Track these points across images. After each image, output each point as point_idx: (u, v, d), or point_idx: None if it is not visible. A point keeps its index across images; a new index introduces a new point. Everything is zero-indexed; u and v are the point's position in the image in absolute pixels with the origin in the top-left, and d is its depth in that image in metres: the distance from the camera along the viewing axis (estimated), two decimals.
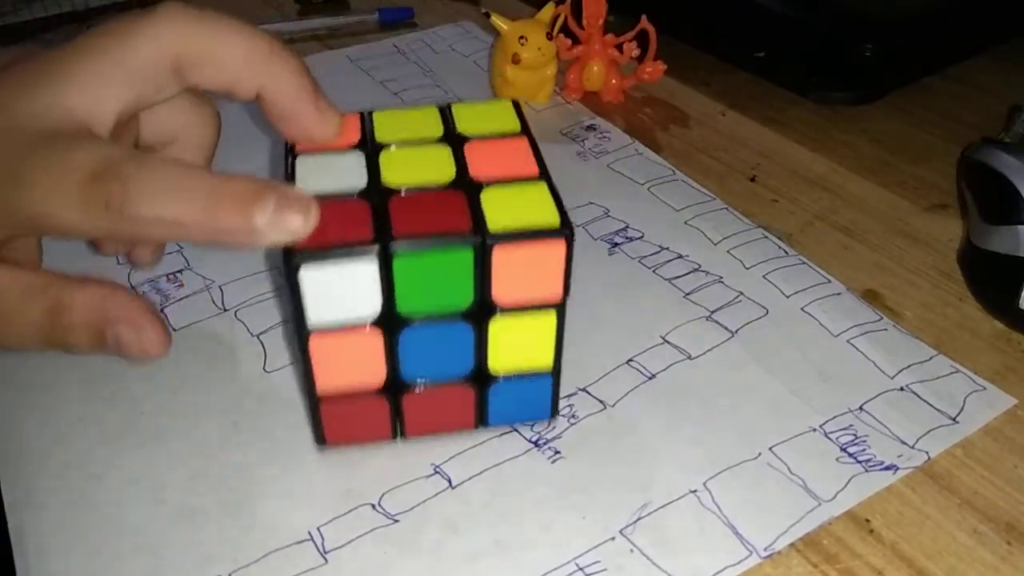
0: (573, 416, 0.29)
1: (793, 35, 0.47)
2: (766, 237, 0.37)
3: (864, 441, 0.28)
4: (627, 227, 0.37)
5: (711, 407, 0.29)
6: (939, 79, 0.49)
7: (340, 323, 0.24)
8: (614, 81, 0.46)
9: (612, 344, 0.32)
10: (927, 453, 0.28)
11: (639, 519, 0.26)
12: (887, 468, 0.27)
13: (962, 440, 0.28)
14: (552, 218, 0.24)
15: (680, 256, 0.36)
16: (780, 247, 0.36)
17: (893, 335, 0.32)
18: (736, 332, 0.32)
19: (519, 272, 0.24)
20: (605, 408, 0.29)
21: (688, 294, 0.34)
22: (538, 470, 0.27)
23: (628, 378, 0.30)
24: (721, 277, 0.35)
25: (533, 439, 0.28)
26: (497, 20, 0.44)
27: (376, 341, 0.25)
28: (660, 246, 0.36)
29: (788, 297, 0.34)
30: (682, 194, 0.39)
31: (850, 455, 0.28)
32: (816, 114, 0.46)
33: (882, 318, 0.33)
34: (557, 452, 0.28)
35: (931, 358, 0.31)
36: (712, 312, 0.33)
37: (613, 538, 0.25)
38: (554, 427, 0.29)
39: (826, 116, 0.46)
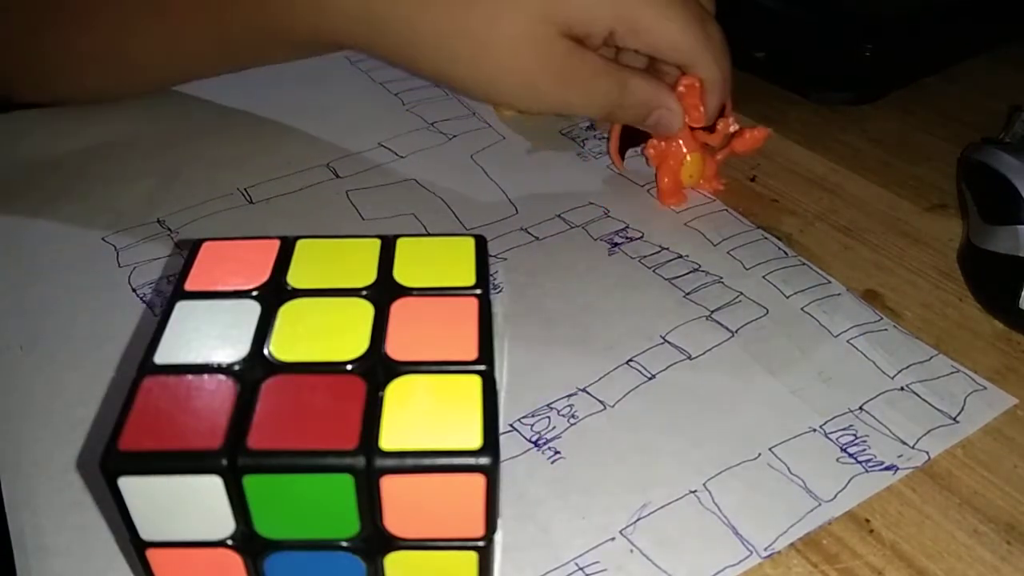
0: (573, 416, 0.29)
1: (793, 35, 0.47)
2: (766, 238, 0.37)
3: (864, 441, 0.28)
4: (627, 227, 0.37)
5: (711, 407, 0.29)
6: (939, 79, 0.49)
7: (183, 541, 0.19)
8: (707, 169, 0.39)
9: (612, 344, 0.32)
10: (927, 453, 0.28)
11: (639, 519, 0.26)
12: (887, 468, 0.27)
13: (962, 440, 0.28)
14: (472, 438, 0.18)
15: (680, 256, 0.36)
16: (780, 247, 0.36)
17: (893, 335, 0.32)
18: (736, 332, 0.32)
19: (421, 505, 0.19)
20: (605, 408, 0.29)
21: (688, 294, 0.34)
22: (538, 470, 0.27)
23: (628, 378, 0.30)
24: (721, 277, 0.35)
25: (533, 439, 0.28)
26: None
27: (234, 562, 0.20)
28: (660, 246, 0.36)
29: (788, 297, 0.34)
30: None
31: (850, 455, 0.28)
32: (816, 114, 0.46)
33: (882, 318, 0.33)
34: (557, 452, 0.28)
35: (931, 358, 0.31)
36: (712, 312, 0.33)
37: (613, 538, 0.25)
38: (554, 427, 0.29)
39: (826, 116, 0.46)
